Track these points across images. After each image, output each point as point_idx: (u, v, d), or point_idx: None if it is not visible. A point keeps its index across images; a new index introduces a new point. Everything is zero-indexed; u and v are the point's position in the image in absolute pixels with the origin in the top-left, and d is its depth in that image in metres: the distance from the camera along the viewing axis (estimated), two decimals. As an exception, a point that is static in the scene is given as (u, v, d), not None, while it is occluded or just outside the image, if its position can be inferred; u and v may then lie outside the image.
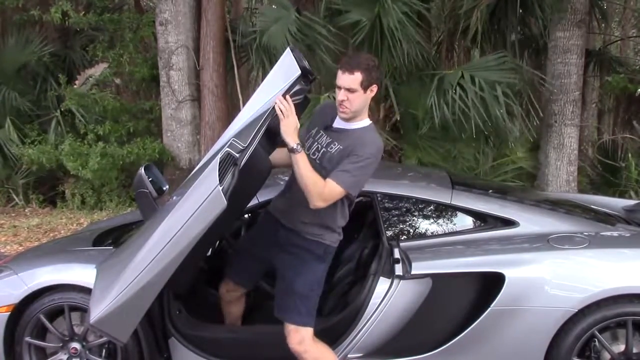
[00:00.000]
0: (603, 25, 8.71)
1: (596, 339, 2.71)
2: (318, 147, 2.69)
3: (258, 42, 6.17)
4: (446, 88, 5.65)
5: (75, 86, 8.32)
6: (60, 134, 8.00)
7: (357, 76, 2.52)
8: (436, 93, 5.64)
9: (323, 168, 2.61)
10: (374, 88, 2.58)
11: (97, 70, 8.42)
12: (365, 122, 2.67)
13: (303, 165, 2.51)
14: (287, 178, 3.49)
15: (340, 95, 2.56)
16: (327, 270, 2.78)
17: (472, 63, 6.28)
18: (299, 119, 2.56)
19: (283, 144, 2.62)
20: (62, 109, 7.95)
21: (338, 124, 2.69)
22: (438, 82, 5.71)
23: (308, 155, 2.61)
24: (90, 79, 8.36)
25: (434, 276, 2.77)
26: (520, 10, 6.62)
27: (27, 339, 2.99)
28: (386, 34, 5.69)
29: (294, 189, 2.69)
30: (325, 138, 2.69)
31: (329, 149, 2.64)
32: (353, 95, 2.55)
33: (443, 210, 3.06)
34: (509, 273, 2.71)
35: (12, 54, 8.43)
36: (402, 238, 2.98)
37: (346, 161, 2.55)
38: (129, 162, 7.37)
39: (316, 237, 2.71)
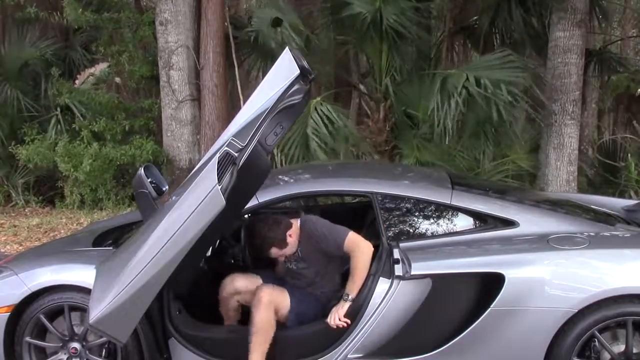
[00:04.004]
0: (603, 25, 8.70)
1: (596, 339, 2.71)
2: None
3: (253, 41, 6.37)
4: (451, 91, 5.61)
5: (75, 85, 8.31)
6: (60, 132, 7.99)
7: (272, 251, 2.92)
8: (440, 95, 5.61)
9: (299, 271, 2.99)
10: (290, 234, 2.91)
11: (98, 69, 8.41)
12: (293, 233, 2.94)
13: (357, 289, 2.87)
14: (286, 178, 3.51)
15: (280, 259, 3.01)
16: (322, 308, 2.98)
17: (475, 62, 6.24)
18: (296, 119, 2.59)
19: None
20: (59, 105, 7.92)
21: None
22: (441, 84, 5.67)
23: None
24: (90, 77, 8.34)
25: (434, 276, 2.76)
26: (521, 10, 6.61)
27: (27, 339, 2.99)
28: (384, 32, 5.69)
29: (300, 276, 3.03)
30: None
31: (293, 264, 3.02)
32: (285, 253, 2.94)
33: (443, 211, 3.05)
34: (509, 273, 2.71)
35: (13, 53, 8.42)
36: (402, 238, 2.97)
37: (325, 246, 2.88)
38: (124, 163, 7.36)
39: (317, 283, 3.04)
